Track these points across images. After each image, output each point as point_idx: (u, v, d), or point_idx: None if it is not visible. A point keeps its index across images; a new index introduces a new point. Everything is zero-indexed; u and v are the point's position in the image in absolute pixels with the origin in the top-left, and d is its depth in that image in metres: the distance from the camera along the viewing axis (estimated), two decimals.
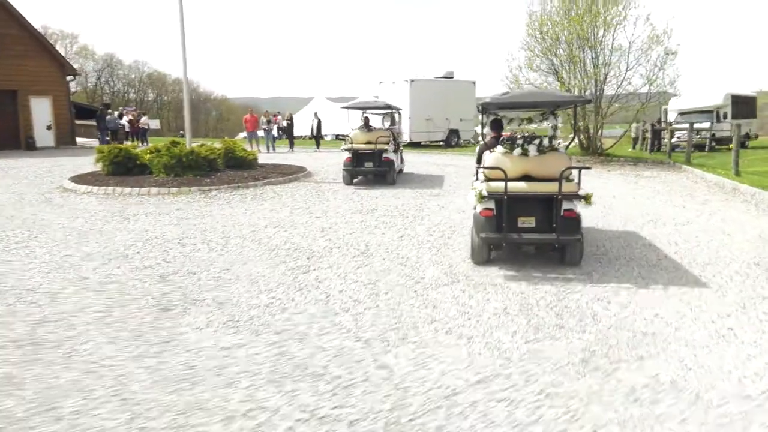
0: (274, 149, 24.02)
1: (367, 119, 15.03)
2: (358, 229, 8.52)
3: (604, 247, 7.38)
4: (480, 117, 7.85)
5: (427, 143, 28.11)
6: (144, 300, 5.41)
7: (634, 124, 24.60)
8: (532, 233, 6.33)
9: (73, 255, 7.05)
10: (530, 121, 8.85)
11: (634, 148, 25.99)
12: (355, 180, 13.66)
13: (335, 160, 19.83)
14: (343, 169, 13.50)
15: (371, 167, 13.44)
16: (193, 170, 13.33)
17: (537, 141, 6.82)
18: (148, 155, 13.77)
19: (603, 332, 4.55)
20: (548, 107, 7.78)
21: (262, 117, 24.32)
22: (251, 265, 6.58)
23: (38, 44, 24.68)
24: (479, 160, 7.37)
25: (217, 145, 15.12)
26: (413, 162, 19.37)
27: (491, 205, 6.32)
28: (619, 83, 19.59)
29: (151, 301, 5.39)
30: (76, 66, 79.72)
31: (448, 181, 14.33)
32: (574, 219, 6.18)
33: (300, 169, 15.43)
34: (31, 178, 14.93)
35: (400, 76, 26.52)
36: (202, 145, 15.00)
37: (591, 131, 20.53)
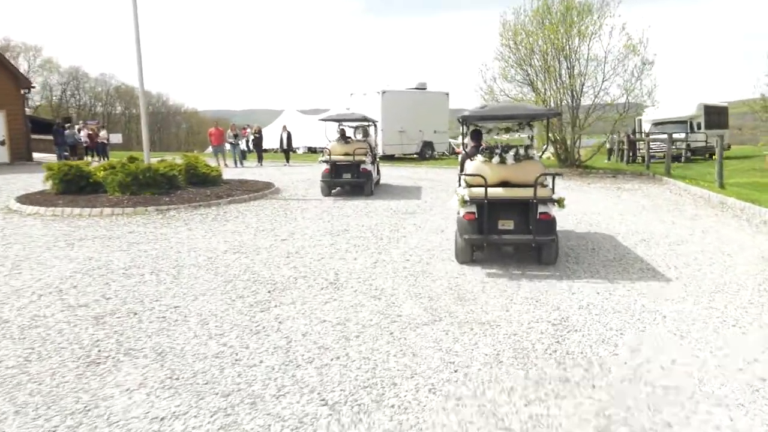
0: (242, 164, 23.08)
1: (343, 131, 15.27)
2: (328, 254, 7.73)
3: (599, 273, 6.72)
4: (461, 128, 8.37)
5: (401, 156, 27.46)
6: (70, 350, 4.55)
7: (609, 135, 24.28)
8: (511, 234, 6.92)
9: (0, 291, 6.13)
10: (507, 131, 9.26)
11: (609, 159, 25.68)
12: (333, 191, 13.80)
13: (306, 174, 19.03)
14: (321, 181, 13.64)
15: (349, 178, 13.66)
16: (150, 188, 12.39)
17: (513, 150, 7.29)
18: (102, 172, 12.80)
19: (616, 385, 3.83)
20: (522, 119, 8.48)
21: (229, 131, 23.36)
22: (203, 301, 5.74)
23: None
24: (462, 168, 7.88)
25: (179, 160, 14.20)
26: (387, 176, 18.65)
27: (473, 209, 6.87)
28: (596, 93, 19.17)
29: (79, 351, 4.52)
30: (39, 79, 77.63)
31: (424, 196, 13.64)
32: (549, 221, 6.79)
33: (267, 186, 14.58)
34: None
35: (371, 88, 25.86)
36: (162, 160, 14.07)
37: (568, 142, 20.08)
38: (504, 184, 7.02)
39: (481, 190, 6.75)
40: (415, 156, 27.26)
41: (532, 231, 6.72)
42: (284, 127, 25.78)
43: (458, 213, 7.07)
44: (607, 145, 25.44)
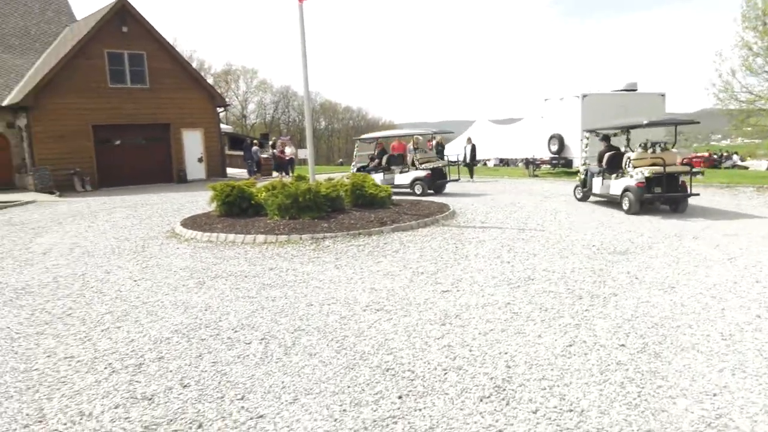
0: None
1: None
2: (499, 323, 5.45)
3: None
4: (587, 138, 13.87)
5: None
6: None
7: None
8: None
9: (79, 357, 4.85)
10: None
11: None
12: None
13: (489, 194, 16.74)
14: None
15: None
16: (311, 212, 11.09)
17: (661, 143, 12.34)
18: (263, 194, 11.84)
19: None
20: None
21: (410, 144, 21.89)
22: (300, 409, 3.84)
23: (189, 77, 24.70)
24: (600, 160, 13.33)
25: (346, 180, 12.83)
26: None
27: (643, 179, 11.71)
28: None
29: None
30: (255, 99, 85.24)
31: (639, 227, 10.60)
32: (684, 186, 11.99)
33: (441, 208, 12.58)
34: (155, 217, 13.80)
35: (569, 92, 22.70)
36: (329, 179, 12.83)
37: None
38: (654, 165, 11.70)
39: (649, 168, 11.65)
40: None
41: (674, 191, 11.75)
42: (468, 140, 23.75)
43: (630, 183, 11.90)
44: None
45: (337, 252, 8.95)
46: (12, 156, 22.95)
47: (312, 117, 12.41)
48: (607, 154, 13.31)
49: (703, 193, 14.56)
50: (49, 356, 4.96)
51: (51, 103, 21.70)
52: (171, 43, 24.82)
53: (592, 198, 14.02)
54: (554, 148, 22.98)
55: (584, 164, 14.16)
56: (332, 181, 12.53)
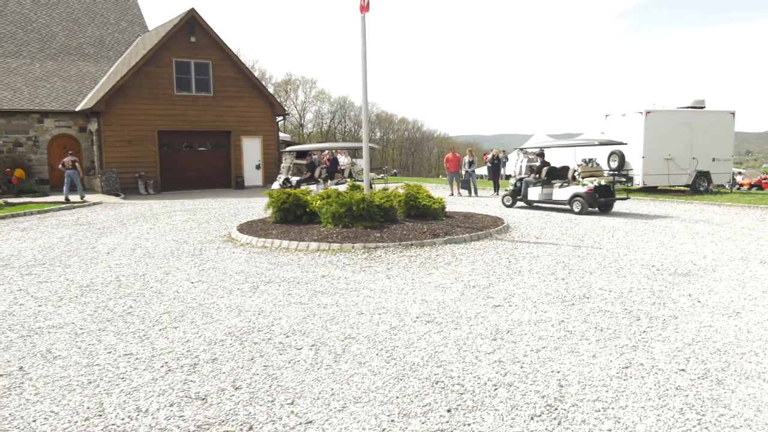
0: (476, 193, 21.36)
1: None
2: (552, 341, 5.33)
3: None
4: (518, 156, 20.67)
5: (667, 188, 23.09)
6: None
7: None
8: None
9: (137, 354, 5.02)
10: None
11: None
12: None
13: (543, 205, 16.45)
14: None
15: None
16: (364, 221, 11.18)
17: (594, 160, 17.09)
18: (318, 202, 12.00)
19: None
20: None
21: (466, 156, 21.81)
22: (349, 417, 3.85)
23: (251, 86, 25.37)
24: (539, 172, 16.67)
25: (400, 190, 12.88)
26: (646, 212, 15.17)
27: (592, 187, 14.91)
28: None
29: None
30: (313, 108, 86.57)
31: (701, 247, 10.21)
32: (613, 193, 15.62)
33: (495, 222, 12.45)
34: (212, 222, 14.20)
35: (631, 108, 22.10)
36: (384, 189, 12.90)
37: None
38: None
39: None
40: (685, 188, 22.67)
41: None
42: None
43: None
44: None
45: (389, 262, 8.97)
46: (82, 158, 24.07)
47: (369, 127, 12.51)
48: (545, 168, 16.64)
49: (756, 213, 13.95)
50: (109, 352, 5.15)
51: (120, 109, 22.70)
52: (235, 52, 25.54)
53: (518, 204, 17.15)
54: (614, 164, 22.38)
55: (516, 176, 18.00)
56: (386, 191, 12.60)
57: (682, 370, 4.60)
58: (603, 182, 15.30)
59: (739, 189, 29.37)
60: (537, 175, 16.78)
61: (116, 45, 28.44)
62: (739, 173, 37.41)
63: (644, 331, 5.56)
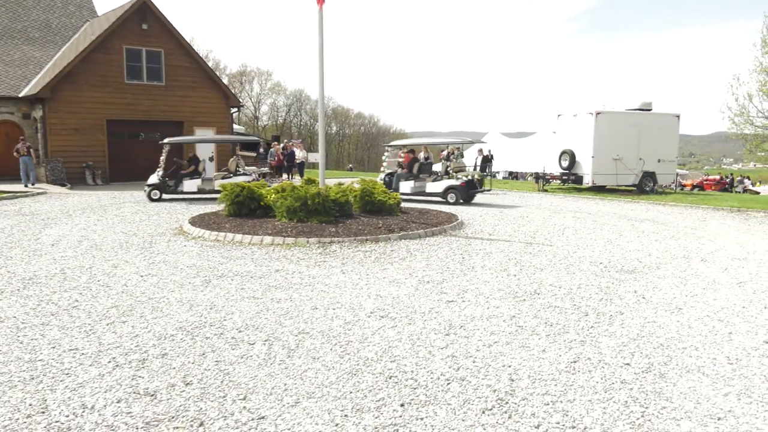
0: None
1: None
2: (504, 335, 5.43)
3: None
4: (387, 151, 19.25)
5: (614, 188, 23.78)
6: None
7: None
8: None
9: (83, 349, 4.86)
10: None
11: None
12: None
13: (499, 203, 16.71)
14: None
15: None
16: (319, 215, 11.12)
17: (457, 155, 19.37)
18: (273, 195, 11.88)
19: None
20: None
21: (444, 152, 21.97)
22: (301, 413, 3.83)
23: (205, 76, 24.84)
24: (410, 168, 18.26)
25: (356, 185, 12.86)
26: (595, 212, 15.59)
27: (465, 181, 16.99)
28: None
29: None
30: (269, 101, 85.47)
31: (646, 245, 10.57)
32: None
33: (449, 218, 12.58)
34: (163, 214, 13.88)
35: (582, 108, 22.65)
36: (339, 184, 12.86)
37: None
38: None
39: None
40: (632, 188, 23.39)
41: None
42: (480, 151, 23.74)
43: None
44: None
45: (344, 257, 8.95)
46: None
47: (325, 121, 12.44)
48: (416, 164, 18.43)
49: (714, 216, 14.60)
50: (53, 347, 4.98)
51: (67, 96, 21.90)
52: (188, 41, 24.96)
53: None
54: (565, 163, 22.93)
55: (383, 171, 18.97)
56: (342, 186, 12.56)
57: (627, 364, 4.76)
58: (476, 177, 18.22)
59: (682, 189, 30.51)
60: (408, 170, 18.46)
61: (63, 29, 27.40)
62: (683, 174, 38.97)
63: (592, 327, 5.72)
